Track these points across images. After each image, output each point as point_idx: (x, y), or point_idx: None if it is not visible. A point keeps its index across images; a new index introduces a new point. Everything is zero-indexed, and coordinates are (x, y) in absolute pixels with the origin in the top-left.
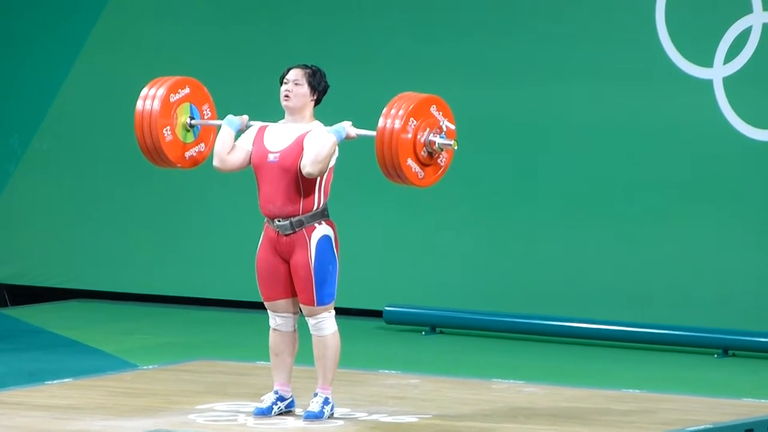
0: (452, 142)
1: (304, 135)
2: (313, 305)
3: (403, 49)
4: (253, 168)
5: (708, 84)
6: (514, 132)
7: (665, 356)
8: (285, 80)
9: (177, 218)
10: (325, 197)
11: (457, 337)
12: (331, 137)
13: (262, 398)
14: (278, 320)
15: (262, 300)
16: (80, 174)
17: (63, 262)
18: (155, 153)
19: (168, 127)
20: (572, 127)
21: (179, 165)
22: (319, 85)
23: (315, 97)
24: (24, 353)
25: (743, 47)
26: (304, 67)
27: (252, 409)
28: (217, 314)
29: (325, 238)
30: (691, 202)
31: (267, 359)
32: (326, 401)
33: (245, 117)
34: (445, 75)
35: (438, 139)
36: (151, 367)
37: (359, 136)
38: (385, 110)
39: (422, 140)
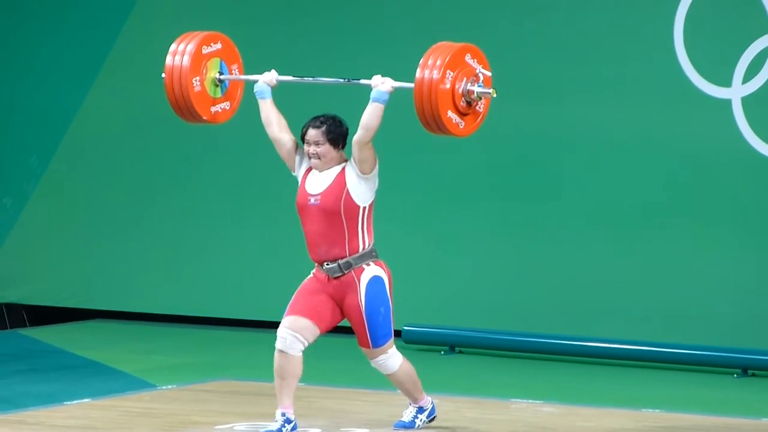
0: (491, 90)
1: (343, 171)
2: (369, 348)
3: None
4: (297, 210)
5: (726, 104)
6: (533, 151)
7: (684, 376)
8: (306, 141)
9: (194, 239)
10: (369, 237)
11: (476, 357)
12: (377, 106)
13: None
14: (288, 339)
15: (285, 315)
16: (98, 195)
17: (81, 282)
18: (183, 104)
19: (197, 78)
20: (590, 146)
21: (205, 118)
22: (340, 136)
23: (340, 145)
24: (43, 373)
25: (762, 67)
26: (319, 124)
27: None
28: (235, 334)
29: (374, 279)
30: (709, 221)
31: None
32: (420, 410)
33: (273, 75)
34: None
35: (476, 88)
36: (169, 387)
37: (394, 89)
38: (422, 61)
39: (461, 90)
